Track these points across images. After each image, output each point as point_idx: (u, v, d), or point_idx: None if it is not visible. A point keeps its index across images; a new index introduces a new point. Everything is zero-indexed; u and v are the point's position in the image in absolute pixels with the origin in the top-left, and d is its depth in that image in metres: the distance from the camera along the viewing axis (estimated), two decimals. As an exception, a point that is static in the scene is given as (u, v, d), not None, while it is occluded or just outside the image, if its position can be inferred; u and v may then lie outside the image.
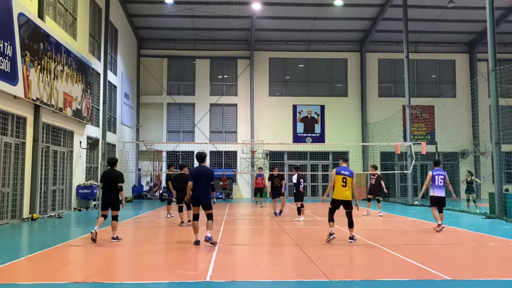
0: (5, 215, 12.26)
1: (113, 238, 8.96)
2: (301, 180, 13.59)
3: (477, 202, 16.91)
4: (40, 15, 13.96)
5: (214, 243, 8.35)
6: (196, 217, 8.60)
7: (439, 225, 10.57)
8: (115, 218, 9.13)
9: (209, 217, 8.50)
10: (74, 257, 7.82)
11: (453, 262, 7.12)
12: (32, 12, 13.27)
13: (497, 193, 14.15)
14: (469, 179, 17.00)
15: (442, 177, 10.75)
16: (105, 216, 9.19)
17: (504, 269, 6.73)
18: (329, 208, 9.04)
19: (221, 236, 9.89)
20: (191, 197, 8.58)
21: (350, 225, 8.97)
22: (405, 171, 21.62)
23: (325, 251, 8.01)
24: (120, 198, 9.13)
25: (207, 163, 26.79)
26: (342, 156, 10.48)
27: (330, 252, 8.03)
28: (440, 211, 10.78)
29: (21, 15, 12.35)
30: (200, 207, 8.57)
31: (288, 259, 7.52)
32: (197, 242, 8.43)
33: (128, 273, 6.56)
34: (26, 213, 13.22)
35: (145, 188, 26.90)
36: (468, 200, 16.89)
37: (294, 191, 13.54)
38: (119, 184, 9.07)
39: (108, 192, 9.14)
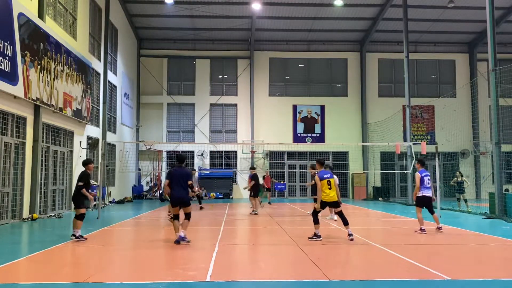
0: (5, 215, 12.27)
1: (73, 235, 9.11)
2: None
3: (469, 202, 17.30)
4: (40, 15, 13.96)
5: (188, 241, 8.60)
6: (176, 217, 8.93)
7: (421, 229, 10.33)
8: (78, 216, 9.20)
9: (187, 216, 8.80)
10: (74, 257, 7.81)
11: (453, 262, 7.11)
12: (32, 12, 13.27)
13: (497, 193, 14.14)
14: (459, 179, 17.34)
15: (429, 177, 10.70)
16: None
17: (504, 269, 6.73)
18: (315, 210, 9.43)
19: (221, 236, 9.91)
20: (171, 197, 8.81)
21: (345, 223, 9.37)
22: (405, 171, 21.64)
23: (325, 251, 8.02)
24: (82, 196, 9.30)
25: (207, 163, 27.03)
26: (318, 159, 10.09)
27: (330, 252, 8.04)
28: (432, 212, 10.68)
29: (21, 15, 12.35)
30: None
31: (288, 259, 7.51)
32: (177, 242, 8.62)
33: (128, 273, 6.56)
34: (26, 213, 13.23)
35: (145, 188, 26.92)
36: (459, 199, 17.29)
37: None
38: (79, 183, 9.29)
39: (75, 192, 9.45)
